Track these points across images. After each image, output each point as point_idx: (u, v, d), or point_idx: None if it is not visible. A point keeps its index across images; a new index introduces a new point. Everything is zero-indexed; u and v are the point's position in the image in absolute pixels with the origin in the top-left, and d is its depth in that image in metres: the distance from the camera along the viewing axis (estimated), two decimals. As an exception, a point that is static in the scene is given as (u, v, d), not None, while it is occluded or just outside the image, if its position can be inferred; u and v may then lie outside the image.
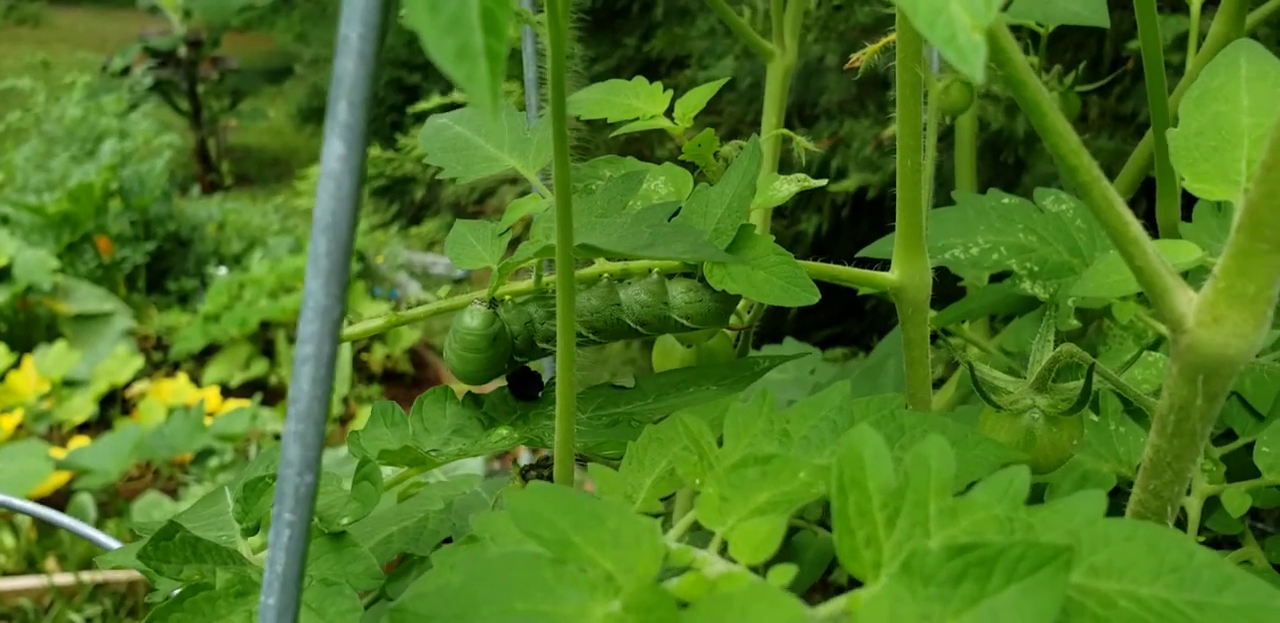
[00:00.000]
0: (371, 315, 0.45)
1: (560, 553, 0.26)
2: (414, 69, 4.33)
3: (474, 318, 0.43)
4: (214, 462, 2.43)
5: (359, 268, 3.37)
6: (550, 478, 0.41)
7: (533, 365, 0.52)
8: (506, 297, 0.46)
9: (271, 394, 2.91)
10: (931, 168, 0.48)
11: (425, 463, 0.41)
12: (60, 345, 2.74)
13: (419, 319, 0.43)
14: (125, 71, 4.49)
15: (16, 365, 2.63)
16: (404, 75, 4.36)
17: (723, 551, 0.28)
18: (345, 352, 2.98)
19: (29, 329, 2.93)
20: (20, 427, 2.50)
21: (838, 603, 0.24)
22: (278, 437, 2.59)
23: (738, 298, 0.49)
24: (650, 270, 0.48)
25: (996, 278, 0.80)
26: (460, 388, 0.49)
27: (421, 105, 2.30)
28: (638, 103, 0.55)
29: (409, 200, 2.56)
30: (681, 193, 0.51)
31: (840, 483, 0.25)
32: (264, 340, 3.08)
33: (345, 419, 2.76)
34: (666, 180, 0.52)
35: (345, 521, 0.35)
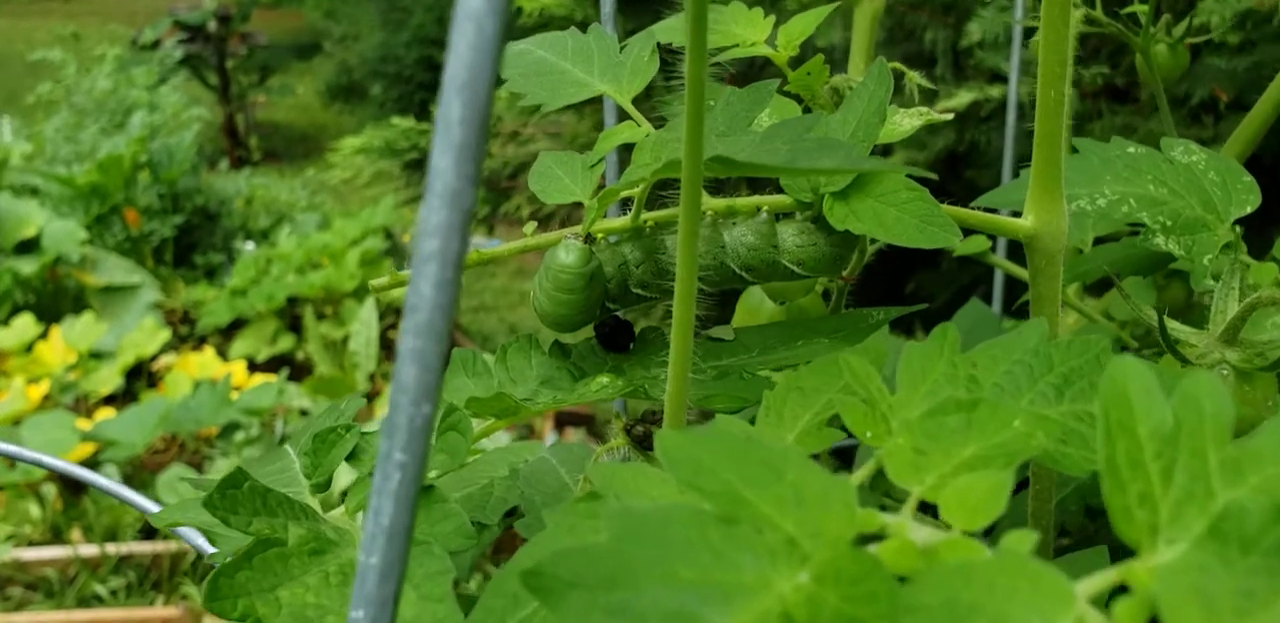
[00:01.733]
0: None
1: (729, 510, 0.21)
2: (445, 47, 4.28)
3: (569, 253, 0.38)
4: (240, 436, 2.40)
5: (387, 246, 3.33)
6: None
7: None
8: (599, 236, 0.41)
9: (298, 370, 2.87)
10: (1069, 105, 0.43)
11: (518, 413, 0.36)
12: (88, 317, 2.71)
13: (505, 256, 0.38)
14: (155, 45, 4.46)
15: (44, 336, 2.61)
16: (435, 53, 4.32)
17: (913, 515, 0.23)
18: (373, 328, 2.95)
19: (57, 300, 2.91)
20: (47, 397, 2.48)
21: (1105, 576, 0.19)
22: (304, 412, 2.56)
23: (855, 242, 0.44)
24: (759, 209, 0.43)
25: (1100, 241, 0.74)
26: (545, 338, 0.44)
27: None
28: (736, 29, 0.49)
29: (442, 174, 2.50)
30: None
31: (1107, 427, 0.19)
32: (291, 316, 3.05)
33: (372, 397, 2.72)
34: (771, 112, 0.46)
35: (433, 474, 0.30)
